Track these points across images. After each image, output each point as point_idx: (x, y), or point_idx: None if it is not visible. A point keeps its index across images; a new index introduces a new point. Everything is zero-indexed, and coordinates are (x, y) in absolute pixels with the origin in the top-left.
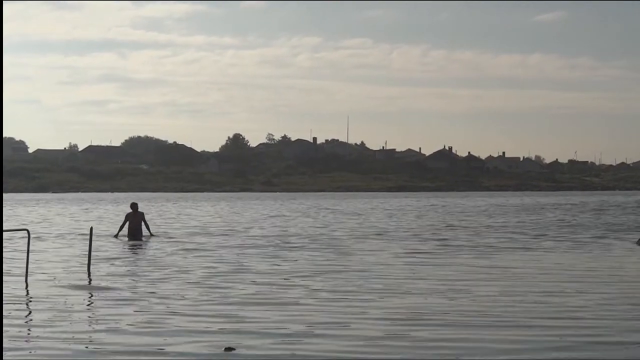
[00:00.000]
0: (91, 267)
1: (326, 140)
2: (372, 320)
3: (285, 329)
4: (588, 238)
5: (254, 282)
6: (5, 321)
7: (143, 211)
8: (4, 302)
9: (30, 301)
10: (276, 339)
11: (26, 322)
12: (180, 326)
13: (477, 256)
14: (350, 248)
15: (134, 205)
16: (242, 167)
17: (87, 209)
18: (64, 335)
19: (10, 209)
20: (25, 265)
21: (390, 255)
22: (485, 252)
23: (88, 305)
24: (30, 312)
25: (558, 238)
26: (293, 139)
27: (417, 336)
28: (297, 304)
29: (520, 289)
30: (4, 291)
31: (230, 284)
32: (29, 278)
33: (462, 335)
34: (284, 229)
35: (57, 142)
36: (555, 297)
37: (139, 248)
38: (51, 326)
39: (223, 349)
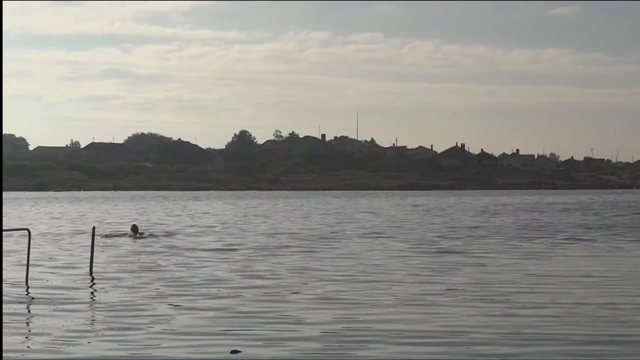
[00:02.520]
0: (93, 267)
1: (335, 137)
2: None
3: (291, 331)
4: None
5: (261, 284)
6: (5, 320)
7: (144, 232)
8: (4, 302)
9: (31, 302)
10: (282, 342)
11: (26, 322)
12: (186, 329)
13: None
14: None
15: (134, 228)
16: (249, 165)
17: (89, 207)
18: (66, 337)
19: (11, 208)
20: (26, 265)
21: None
22: None
23: (90, 306)
24: (30, 313)
25: None
26: (301, 136)
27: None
28: (304, 306)
29: None
30: (4, 291)
31: (238, 286)
32: (29, 278)
33: None
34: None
35: (58, 139)
36: None
37: (144, 248)
38: (51, 327)
39: (229, 351)
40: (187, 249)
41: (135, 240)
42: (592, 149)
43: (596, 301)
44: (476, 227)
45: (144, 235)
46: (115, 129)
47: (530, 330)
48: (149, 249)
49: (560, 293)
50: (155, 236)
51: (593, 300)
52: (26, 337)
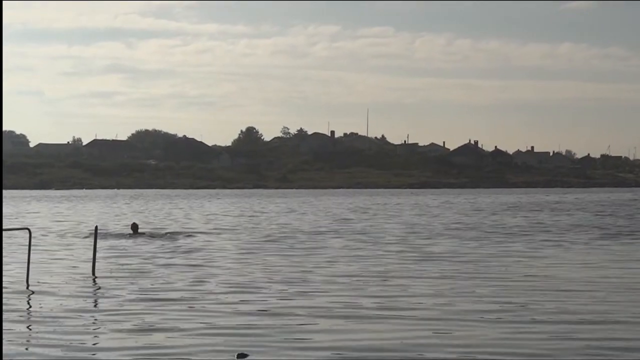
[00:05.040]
0: (96, 267)
1: (344, 134)
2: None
3: (298, 334)
4: None
5: (268, 287)
6: (5, 321)
7: (145, 231)
8: (3, 302)
9: (31, 302)
10: (288, 345)
11: (27, 322)
12: (192, 332)
13: None
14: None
15: (134, 226)
16: (256, 163)
17: (90, 206)
18: (65, 338)
19: (11, 207)
20: (26, 266)
21: None
22: None
23: (92, 307)
24: (30, 313)
25: None
26: (309, 133)
27: None
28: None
29: None
30: (4, 292)
31: (244, 288)
32: (30, 278)
33: None
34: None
35: (60, 136)
36: None
37: (146, 248)
38: (52, 328)
39: (235, 355)
40: (191, 249)
41: (135, 239)
42: (609, 146)
43: None
44: None
45: (145, 234)
46: (118, 126)
47: None
48: (150, 249)
49: None
50: (158, 235)
51: None
52: (27, 337)
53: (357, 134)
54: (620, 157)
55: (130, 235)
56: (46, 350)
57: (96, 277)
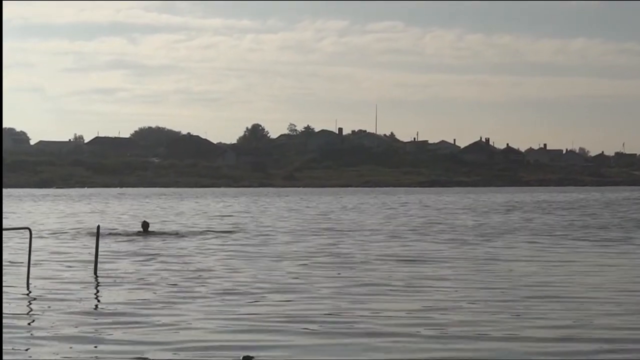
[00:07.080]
0: (98, 267)
1: (353, 131)
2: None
3: (304, 337)
4: None
5: (274, 289)
6: (4, 322)
7: (154, 230)
8: (4, 303)
9: (32, 303)
10: (294, 349)
11: (27, 323)
12: (196, 334)
13: None
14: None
15: (145, 225)
16: (262, 160)
17: (92, 205)
18: (66, 339)
19: (11, 206)
20: (27, 266)
21: None
22: None
23: (93, 308)
24: (31, 315)
25: None
26: (317, 130)
27: None
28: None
29: None
30: (4, 292)
31: (249, 290)
32: (30, 280)
33: None
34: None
35: (61, 134)
36: None
37: (155, 247)
38: (52, 329)
39: (241, 357)
40: (199, 250)
41: (144, 238)
42: (623, 144)
43: None
44: None
45: (155, 233)
46: (121, 123)
47: None
48: (159, 248)
49: None
50: (167, 234)
51: None
52: (27, 339)
53: (365, 131)
54: (635, 154)
55: (139, 234)
56: (46, 354)
57: (98, 278)
